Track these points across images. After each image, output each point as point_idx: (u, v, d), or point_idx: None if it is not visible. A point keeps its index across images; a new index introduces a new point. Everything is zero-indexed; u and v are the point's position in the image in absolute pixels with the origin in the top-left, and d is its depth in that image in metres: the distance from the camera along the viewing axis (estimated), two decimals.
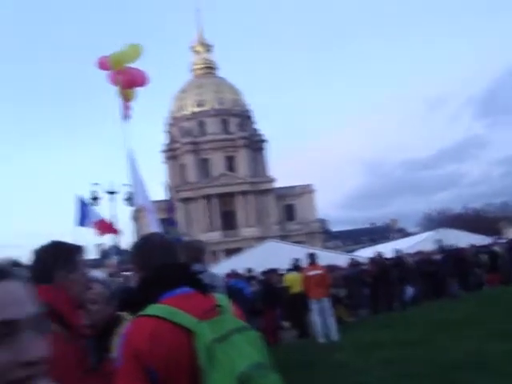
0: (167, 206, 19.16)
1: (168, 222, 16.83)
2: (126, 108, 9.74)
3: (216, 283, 5.34)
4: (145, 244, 2.59)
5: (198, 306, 2.22)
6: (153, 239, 2.62)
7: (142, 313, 2.23)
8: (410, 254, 20.94)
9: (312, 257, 13.64)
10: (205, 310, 2.20)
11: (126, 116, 9.77)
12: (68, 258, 2.60)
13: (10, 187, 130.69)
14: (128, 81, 9.43)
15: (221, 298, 2.39)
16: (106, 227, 16.90)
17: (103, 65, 9.56)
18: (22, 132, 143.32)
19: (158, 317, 2.17)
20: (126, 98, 9.59)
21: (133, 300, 2.43)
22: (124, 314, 3.28)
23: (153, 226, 10.37)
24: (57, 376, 2.14)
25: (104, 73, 9.66)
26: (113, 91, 9.68)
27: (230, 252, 42.08)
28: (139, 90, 9.75)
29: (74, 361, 2.35)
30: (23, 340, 1.07)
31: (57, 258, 2.58)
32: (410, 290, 18.47)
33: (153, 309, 2.22)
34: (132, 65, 9.62)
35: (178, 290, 2.30)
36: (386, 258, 19.52)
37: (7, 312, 1.06)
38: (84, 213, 16.55)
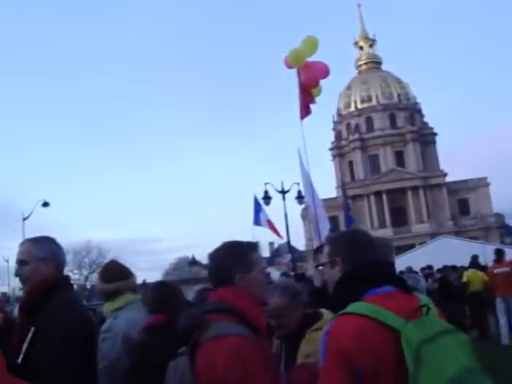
0: (343, 204, 19.35)
1: (346, 220, 16.90)
2: (306, 106, 9.91)
3: (418, 284, 5.17)
4: (352, 238, 2.53)
5: (402, 305, 2.14)
6: (360, 234, 2.56)
7: (345, 311, 2.17)
8: None
9: (499, 253, 12.97)
10: (410, 309, 2.12)
11: (305, 113, 9.94)
12: (245, 257, 2.58)
13: (184, 187, 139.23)
14: (310, 76, 9.58)
15: (424, 298, 2.30)
16: (272, 227, 17.69)
17: (287, 63, 9.83)
18: (197, 132, 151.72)
19: (362, 315, 2.11)
20: (310, 95, 9.74)
21: (336, 296, 2.36)
22: (323, 311, 3.22)
23: (321, 225, 10.45)
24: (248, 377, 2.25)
25: (285, 71, 9.94)
26: (292, 89, 9.91)
27: (402, 249, 41.13)
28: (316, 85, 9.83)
29: (263, 363, 2.33)
30: None
31: (233, 258, 2.57)
32: None
33: (356, 307, 2.16)
34: (311, 58, 9.77)
35: (382, 289, 2.22)
36: None
37: None
38: (258, 212, 17.25)
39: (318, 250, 4.66)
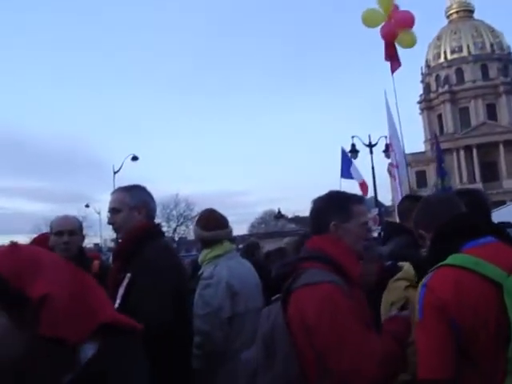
0: (437, 156, 18.71)
1: (439, 173, 16.51)
2: (396, 59, 10.01)
3: None
4: (427, 205, 2.51)
5: (504, 257, 2.04)
6: (432, 198, 2.56)
7: (443, 263, 2.11)
8: None
9: None
10: None
11: (395, 66, 10.04)
12: (343, 206, 2.55)
13: (272, 140, 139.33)
14: (396, 26, 9.66)
15: None
16: (364, 188, 17.36)
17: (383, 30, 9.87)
18: (286, 83, 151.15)
19: (462, 267, 2.03)
20: (402, 44, 9.82)
21: (434, 248, 2.28)
22: (403, 264, 3.11)
23: (404, 179, 10.53)
24: (341, 328, 2.22)
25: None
26: (382, 42, 10.02)
27: (492, 205, 39.84)
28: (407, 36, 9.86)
29: (354, 311, 2.31)
30: None
31: (331, 206, 2.56)
32: None
33: (456, 258, 2.09)
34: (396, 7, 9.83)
35: (482, 240, 2.13)
36: None
37: None
38: (347, 166, 16.85)
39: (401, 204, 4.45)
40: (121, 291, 3.10)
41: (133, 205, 3.38)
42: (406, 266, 2.97)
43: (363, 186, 17.27)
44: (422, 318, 2.08)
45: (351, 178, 16.76)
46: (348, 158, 17.69)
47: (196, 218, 4.22)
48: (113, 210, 3.39)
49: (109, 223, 3.44)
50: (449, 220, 2.27)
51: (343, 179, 16.89)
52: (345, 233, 2.51)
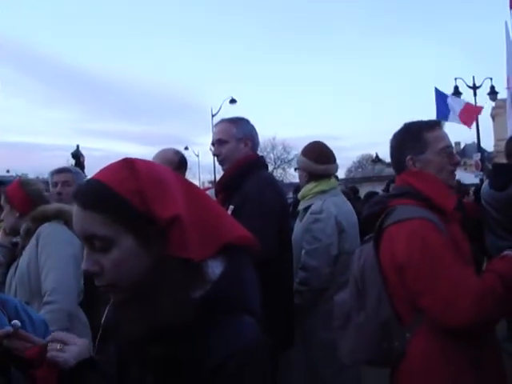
0: None
1: None
2: None
3: None
4: None
5: None
6: None
7: None
8: None
9: None
10: None
11: None
12: (415, 136, 2.42)
13: (371, 83, 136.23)
14: None
15: None
16: (471, 112, 15.12)
17: None
18: (386, 29, 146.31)
19: None
20: None
21: None
22: None
23: (510, 123, 10.14)
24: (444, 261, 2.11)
25: None
26: None
27: None
28: None
29: (447, 246, 2.20)
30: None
31: (404, 139, 2.46)
32: None
33: None
34: None
35: None
36: None
37: None
38: (444, 106, 15.29)
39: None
40: None
41: (240, 136, 3.37)
42: None
43: (468, 109, 14.99)
44: None
45: (448, 113, 14.81)
46: (442, 94, 15.87)
47: (304, 149, 4.00)
48: (219, 141, 3.36)
49: (214, 154, 3.40)
50: None
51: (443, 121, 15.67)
52: (424, 165, 2.39)
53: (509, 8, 9.61)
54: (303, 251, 3.60)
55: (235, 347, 1.16)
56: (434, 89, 15.83)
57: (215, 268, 1.25)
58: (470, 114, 14.83)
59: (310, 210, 3.75)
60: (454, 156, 2.48)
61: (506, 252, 2.25)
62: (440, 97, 15.69)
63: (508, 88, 10.38)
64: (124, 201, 1.18)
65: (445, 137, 2.47)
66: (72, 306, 3.00)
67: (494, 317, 2.18)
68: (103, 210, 1.18)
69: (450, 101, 15.19)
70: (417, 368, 2.20)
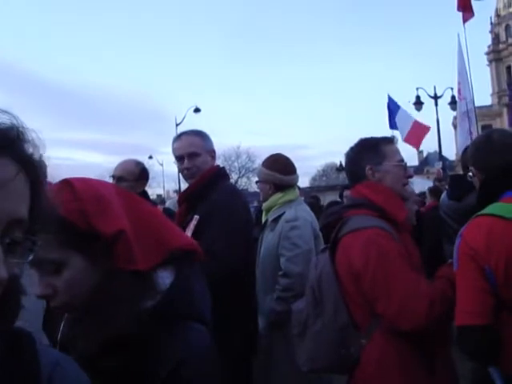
0: (509, 108, 17.22)
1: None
2: (469, 8, 9.93)
3: None
4: (486, 143, 2.38)
5: None
6: (494, 138, 2.37)
7: (479, 213, 2.12)
8: None
9: None
10: None
11: (468, 16, 10.01)
12: (375, 149, 2.51)
13: (334, 93, 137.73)
14: None
15: None
16: (419, 132, 14.96)
17: None
18: (347, 38, 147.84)
19: (496, 215, 2.04)
20: None
21: (477, 201, 2.27)
22: None
23: (463, 133, 10.21)
24: (387, 270, 2.18)
25: None
26: None
27: None
28: None
29: (401, 254, 2.28)
30: None
31: (363, 151, 2.53)
32: None
33: (491, 208, 2.10)
34: None
35: None
36: None
37: None
38: (394, 115, 15.20)
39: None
40: (188, 233, 3.11)
41: (208, 149, 3.42)
42: None
43: (416, 130, 14.83)
44: (458, 266, 2.10)
45: (401, 130, 14.70)
46: (395, 104, 15.61)
47: (268, 162, 4.02)
48: (192, 155, 3.34)
49: (185, 168, 3.37)
50: (488, 172, 2.26)
51: (392, 130, 14.99)
52: (382, 175, 2.48)
53: (462, 22, 9.93)
54: (283, 258, 3.62)
55: (186, 355, 1.19)
56: (387, 98, 15.68)
57: (165, 278, 1.28)
58: (417, 135, 14.82)
59: (284, 219, 3.77)
60: (408, 169, 2.61)
61: (451, 260, 2.35)
62: (392, 105, 15.48)
63: (460, 99, 10.60)
64: (68, 222, 1.18)
65: (399, 151, 2.61)
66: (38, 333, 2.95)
67: (446, 319, 2.25)
68: (50, 233, 1.16)
69: (400, 116, 15.05)
70: (372, 375, 2.27)
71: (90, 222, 1.20)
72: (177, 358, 1.18)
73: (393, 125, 15.15)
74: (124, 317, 1.16)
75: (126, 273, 1.21)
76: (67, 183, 1.25)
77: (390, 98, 15.67)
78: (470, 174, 2.44)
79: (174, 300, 1.25)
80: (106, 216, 1.22)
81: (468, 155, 2.47)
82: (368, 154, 2.51)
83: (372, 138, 2.60)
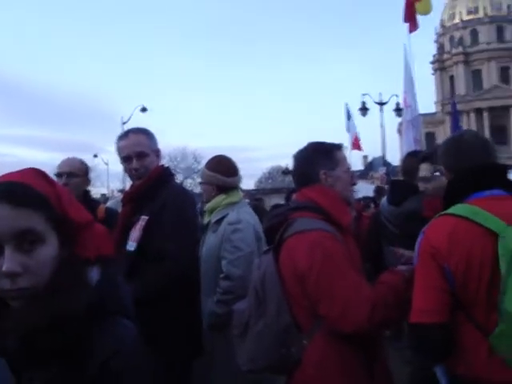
0: (452, 117, 18.28)
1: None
2: (414, 18, 10.36)
3: None
4: (456, 144, 2.40)
5: (508, 209, 2.04)
6: (465, 139, 2.39)
7: (444, 212, 2.14)
8: None
9: None
10: None
11: (413, 28, 10.43)
12: (329, 155, 2.55)
13: (280, 96, 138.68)
14: None
15: None
16: (356, 144, 17.56)
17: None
18: (297, 40, 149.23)
19: (461, 216, 2.05)
20: (414, 8, 10.19)
21: (443, 201, 2.29)
22: None
23: (408, 140, 10.44)
24: (333, 272, 2.21)
25: None
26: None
27: None
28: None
29: (346, 257, 2.31)
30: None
31: (318, 155, 2.56)
32: None
33: (456, 208, 2.12)
34: None
35: (488, 192, 2.13)
36: None
37: None
38: (349, 122, 16.97)
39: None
40: (135, 234, 3.12)
41: (155, 148, 3.39)
42: None
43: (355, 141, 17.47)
44: (418, 263, 2.13)
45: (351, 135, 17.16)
46: (349, 114, 17.85)
47: (211, 164, 4.01)
48: (141, 154, 3.27)
49: (134, 169, 3.29)
50: (456, 174, 2.28)
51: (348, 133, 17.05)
52: (335, 180, 2.52)
53: (408, 32, 10.30)
54: (225, 261, 3.62)
55: (116, 349, 1.21)
56: (344, 104, 17.37)
57: (94, 274, 1.31)
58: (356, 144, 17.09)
59: (226, 221, 3.78)
60: (354, 176, 2.73)
61: (399, 267, 2.45)
62: (348, 114, 17.38)
63: (405, 107, 11.00)
64: (49, 202, 1.25)
65: (347, 159, 2.69)
66: None
67: (386, 323, 2.30)
68: (37, 207, 1.22)
69: (349, 125, 17.00)
70: (312, 377, 2.28)
71: (64, 208, 1.28)
72: (107, 352, 1.20)
73: (349, 129, 17.03)
74: (77, 301, 1.19)
75: (83, 261, 1.28)
76: (40, 171, 1.32)
77: (346, 108, 17.64)
78: (437, 173, 2.50)
79: (103, 296, 1.27)
80: (75, 207, 1.32)
81: (438, 154, 2.49)
82: (322, 159, 2.54)
83: (324, 142, 2.64)
